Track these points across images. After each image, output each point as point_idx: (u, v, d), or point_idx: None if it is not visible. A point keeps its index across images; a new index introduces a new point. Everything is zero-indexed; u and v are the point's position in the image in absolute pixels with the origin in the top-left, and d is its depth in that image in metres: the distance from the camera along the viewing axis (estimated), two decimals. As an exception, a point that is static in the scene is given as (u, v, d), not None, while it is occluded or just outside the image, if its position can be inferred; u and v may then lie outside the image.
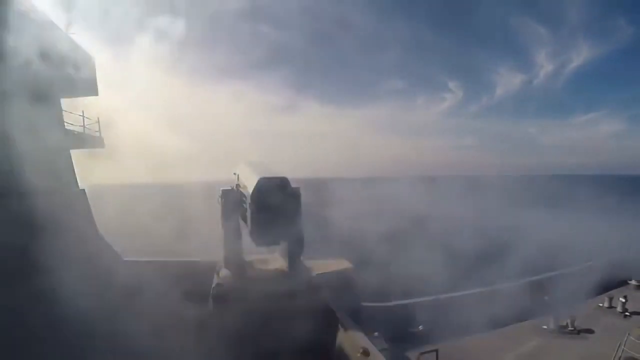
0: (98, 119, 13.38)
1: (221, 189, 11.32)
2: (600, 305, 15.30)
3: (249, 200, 10.06)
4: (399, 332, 12.45)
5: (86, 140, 12.75)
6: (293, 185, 10.58)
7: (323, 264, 12.78)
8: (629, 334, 10.92)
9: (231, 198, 11.20)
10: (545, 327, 13.50)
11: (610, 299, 15.27)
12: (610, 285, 16.81)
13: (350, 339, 9.48)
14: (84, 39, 11.98)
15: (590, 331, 13.23)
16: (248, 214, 10.20)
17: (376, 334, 11.40)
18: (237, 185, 11.50)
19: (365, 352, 8.68)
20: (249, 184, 10.28)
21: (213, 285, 10.82)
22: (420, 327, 13.13)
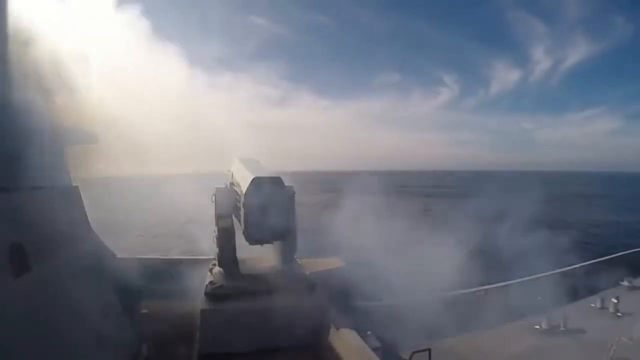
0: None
1: (215, 187, 11.29)
2: (593, 305, 15.38)
3: (242, 199, 10.05)
4: (392, 331, 12.49)
5: (80, 136, 12.60)
6: (287, 183, 10.59)
7: (317, 263, 12.82)
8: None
9: (225, 196, 11.17)
10: (537, 327, 13.59)
11: (603, 300, 15.35)
12: (602, 285, 16.91)
13: (343, 338, 9.52)
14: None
15: (582, 332, 13.33)
16: (242, 212, 10.19)
17: (369, 332, 11.44)
18: (231, 184, 11.47)
19: None
20: (243, 183, 10.27)
21: (206, 283, 10.83)
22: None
